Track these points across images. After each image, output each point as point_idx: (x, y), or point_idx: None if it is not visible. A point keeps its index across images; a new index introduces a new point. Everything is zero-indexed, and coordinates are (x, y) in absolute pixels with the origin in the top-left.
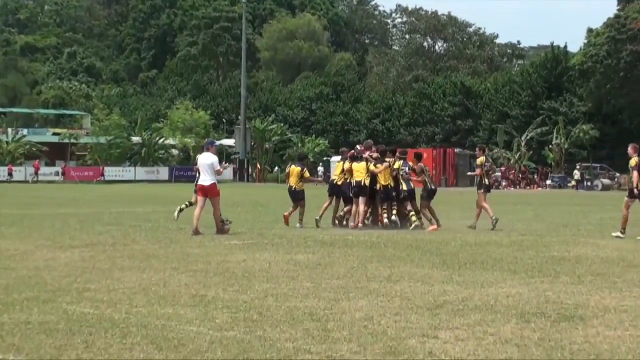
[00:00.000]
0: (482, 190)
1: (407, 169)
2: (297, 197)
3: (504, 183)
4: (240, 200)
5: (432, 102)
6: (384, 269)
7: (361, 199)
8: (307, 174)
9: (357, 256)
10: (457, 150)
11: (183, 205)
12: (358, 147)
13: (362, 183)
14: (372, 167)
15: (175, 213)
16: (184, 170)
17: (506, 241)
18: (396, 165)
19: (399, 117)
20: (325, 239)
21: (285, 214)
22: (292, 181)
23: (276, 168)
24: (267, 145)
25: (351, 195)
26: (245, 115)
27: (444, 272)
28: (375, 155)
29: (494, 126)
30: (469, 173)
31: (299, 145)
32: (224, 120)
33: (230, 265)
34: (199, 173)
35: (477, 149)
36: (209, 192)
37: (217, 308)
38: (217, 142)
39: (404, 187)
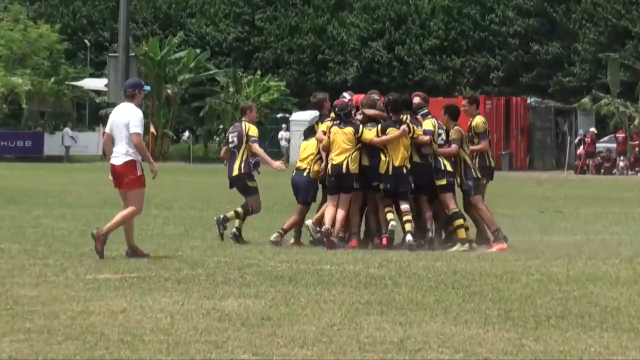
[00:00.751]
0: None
1: (443, 133)
2: (305, 191)
3: (621, 163)
4: (115, 196)
5: (483, 9)
6: (391, 327)
7: (342, 198)
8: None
9: (341, 303)
10: (531, 100)
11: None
12: (346, 95)
13: (344, 168)
14: (369, 133)
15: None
16: (10, 138)
17: (626, 275)
18: (429, 125)
19: (421, 38)
20: (281, 269)
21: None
22: (305, 161)
23: (186, 134)
24: (169, 91)
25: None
26: (127, 33)
27: (508, 333)
28: (372, 112)
29: (600, 55)
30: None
31: (230, 89)
32: (87, 42)
33: (96, 320)
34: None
35: (464, 100)
36: (122, 178)
37: None
38: (81, 85)
39: (448, 166)
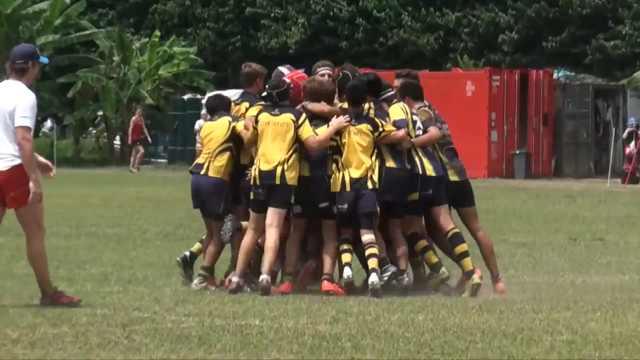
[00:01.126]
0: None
1: (418, 120)
2: (212, 198)
3: None
4: None
5: None
6: None
7: (271, 214)
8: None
9: None
10: (559, 74)
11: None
12: (284, 70)
13: (278, 177)
14: (308, 129)
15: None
16: None
17: None
18: (398, 112)
19: None
20: (186, 326)
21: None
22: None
23: (48, 123)
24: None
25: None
26: None
27: None
28: (317, 108)
29: None
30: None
31: (114, 58)
32: None
33: None
34: None
35: (397, 79)
36: (6, 190)
37: None
38: None
39: (429, 170)
